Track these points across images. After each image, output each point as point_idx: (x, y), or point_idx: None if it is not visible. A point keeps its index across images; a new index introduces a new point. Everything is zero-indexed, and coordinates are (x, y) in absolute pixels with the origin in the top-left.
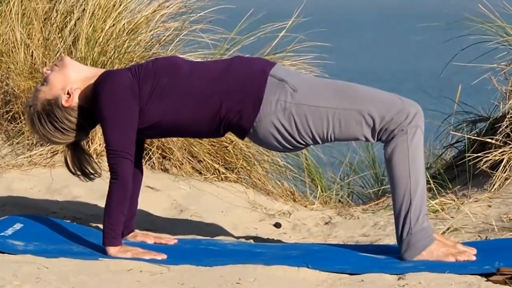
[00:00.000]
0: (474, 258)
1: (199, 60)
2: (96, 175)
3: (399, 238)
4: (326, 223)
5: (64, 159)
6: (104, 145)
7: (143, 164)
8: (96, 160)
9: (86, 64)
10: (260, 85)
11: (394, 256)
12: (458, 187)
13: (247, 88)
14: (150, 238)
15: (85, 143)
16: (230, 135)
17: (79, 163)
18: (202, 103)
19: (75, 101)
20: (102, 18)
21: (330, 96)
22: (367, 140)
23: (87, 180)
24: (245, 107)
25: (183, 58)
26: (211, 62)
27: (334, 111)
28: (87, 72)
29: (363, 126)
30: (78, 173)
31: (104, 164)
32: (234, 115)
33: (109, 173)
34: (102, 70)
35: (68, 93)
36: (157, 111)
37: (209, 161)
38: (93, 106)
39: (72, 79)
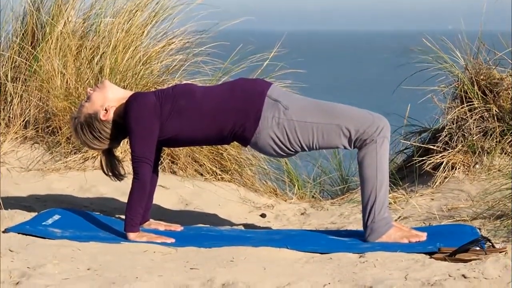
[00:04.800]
0: (424, 239)
1: (205, 85)
2: (123, 177)
3: (365, 224)
4: (302, 214)
5: (99, 163)
6: (130, 151)
7: None
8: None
9: None
10: (259, 104)
11: (356, 239)
12: (407, 184)
13: (249, 106)
14: (162, 226)
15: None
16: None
17: (111, 166)
18: (213, 120)
19: (110, 116)
20: (122, 52)
21: (314, 113)
22: (345, 148)
23: (116, 180)
24: (248, 122)
25: (196, 85)
26: (219, 85)
27: (318, 125)
28: (121, 93)
29: (342, 137)
30: (110, 174)
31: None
32: (239, 128)
33: (129, 175)
34: (133, 92)
35: (105, 110)
36: (175, 127)
37: (208, 165)
38: (124, 120)
39: (109, 98)
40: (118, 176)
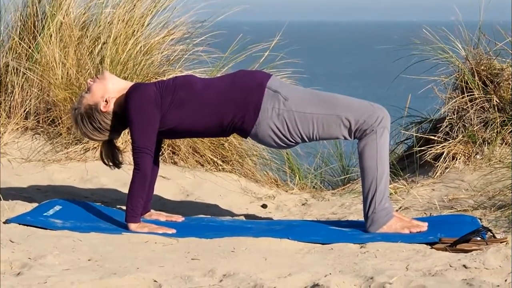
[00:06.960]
0: (425, 229)
1: (203, 75)
2: (122, 164)
3: (365, 215)
4: (303, 204)
5: (99, 153)
6: (131, 142)
7: None
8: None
9: None
10: (259, 96)
11: (357, 229)
12: (408, 175)
13: (248, 98)
14: (163, 216)
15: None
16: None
17: (112, 156)
18: (212, 112)
19: (111, 107)
20: (123, 42)
21: (314, 103)
22: (345, 138)
23: (116, 168)
24: (247, 113)
25: (197, 76)
26: (219, 77)
27: (318, 116)
28: (122, 84)
29: (342, 127)
30: (110, 163)
31: (126, 159)
32: (238, 120)
33: (130, 165)
34: (133, 83)
35: (106, 101)
36: (175, 118)
37: (209, 155)
38: (124, 111)
39: (109, 89)
40: (119, 164)
